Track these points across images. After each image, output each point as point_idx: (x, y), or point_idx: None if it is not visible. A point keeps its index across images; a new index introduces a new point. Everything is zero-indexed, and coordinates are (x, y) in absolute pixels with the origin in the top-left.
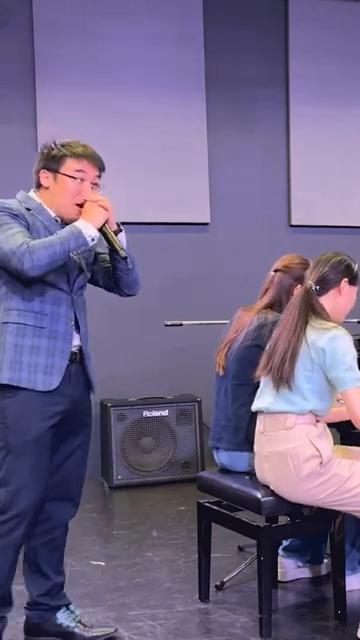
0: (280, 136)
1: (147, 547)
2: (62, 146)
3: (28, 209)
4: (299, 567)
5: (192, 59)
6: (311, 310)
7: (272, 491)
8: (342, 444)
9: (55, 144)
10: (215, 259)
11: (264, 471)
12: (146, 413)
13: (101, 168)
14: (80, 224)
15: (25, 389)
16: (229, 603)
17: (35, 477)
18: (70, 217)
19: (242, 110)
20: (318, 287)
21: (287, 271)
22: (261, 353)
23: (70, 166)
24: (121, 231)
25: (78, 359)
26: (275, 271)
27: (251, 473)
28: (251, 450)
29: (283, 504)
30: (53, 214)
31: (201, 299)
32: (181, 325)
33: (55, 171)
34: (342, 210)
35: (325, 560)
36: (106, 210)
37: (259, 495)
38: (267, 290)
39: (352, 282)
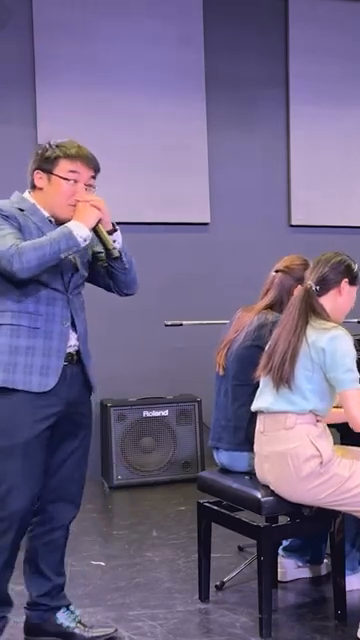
0: (280, 136)
1: (147, 547)
2: (56, 147)
3: (21, 210)
4: (299, 567)
5: (192, 59)
6: (311, 310)
7: (272, 491)
8: (342, 444)
9: (50, 145)
10: (215, 259)
11: (264, 471)
12: (146, 413)
13: (96, 169)
14: (72, 225)
15: (20, 391)
16: (229, 603)
17: (27, 479)
18: (64, 217)
19: (242, 110)
20: (318, 287)
21: (288, 272)
22: (261, 353)
23: (64, 167)
24: (116, 231)
25: (76, 360)
26: (276, 272)
27: (251, 473)
28: (251, 450)
29: (283, 504)
30: (47, 214)
31: (201, 299)
32: (181, 325)
33: (49, 172)
34: (342, 210)
35: (325, 560)
36: (99, 210)
37: (259, 495)
38: (268, 291)
39: (352, 282)
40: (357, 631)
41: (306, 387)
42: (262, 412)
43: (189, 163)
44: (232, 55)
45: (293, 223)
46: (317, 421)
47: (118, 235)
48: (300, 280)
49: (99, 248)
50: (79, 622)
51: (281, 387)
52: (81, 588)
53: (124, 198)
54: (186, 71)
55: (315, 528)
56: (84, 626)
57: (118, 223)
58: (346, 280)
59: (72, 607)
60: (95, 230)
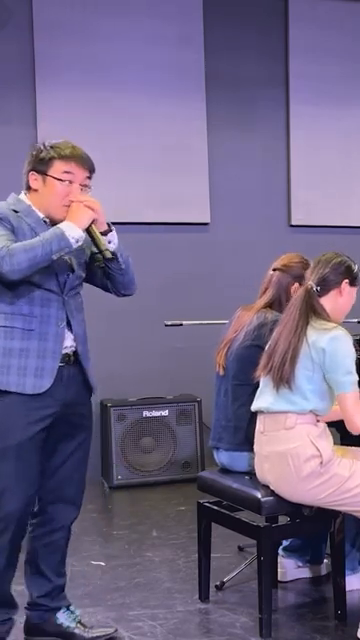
0: (280, 136)
1: (147, 547)
2: (51, 148)
3: (16, 211)
4: (299, 567)
5: (192, 59)
6: (312, 311)
7: (272, 491)
8: (342, 444)
9: (44, 146)
10: (215, 259)
11: (264, 471)
12: (146, 413)
13: (91, 169)
14: (64, 225)
15: (13, 393)
16: (229, 603)
17: (21, 481)
18: (60, 219)
19: (242, 110)
20: (319, 288)
21: (286, 270)
22: (261, 353)
23: (58, 168)
24: (111, 231)
25: (73, 361)
26: (274, 270)
27: (251, 473)
28: (251, 450)
29: (283, 504)
30: (42, 215)
31: (201, 299)
32: (181, 325)
33: (43, 173)
34: (342, 210)
35: (325, 560)
36: (93, 211)
37: (259, 495)
38: (266, 289)
39: (352, 283)
40: (357, 631)
41: (306, 387)
42: (262, 412)
43: (189, 163)
44: (232, 55)
45: (293, 223)
46: (317, 421)
47: (114, 236)
48: (297, 278)
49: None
50: (79, 622)
51: (281, 387)
52: (81, 588)
53: (124, 198)
54: (186, 71)
55: (315, 528)
56: (84, 626)
57: (118, 223)
58: (347, 281)
59: (72, 607)
60: (88, 231)
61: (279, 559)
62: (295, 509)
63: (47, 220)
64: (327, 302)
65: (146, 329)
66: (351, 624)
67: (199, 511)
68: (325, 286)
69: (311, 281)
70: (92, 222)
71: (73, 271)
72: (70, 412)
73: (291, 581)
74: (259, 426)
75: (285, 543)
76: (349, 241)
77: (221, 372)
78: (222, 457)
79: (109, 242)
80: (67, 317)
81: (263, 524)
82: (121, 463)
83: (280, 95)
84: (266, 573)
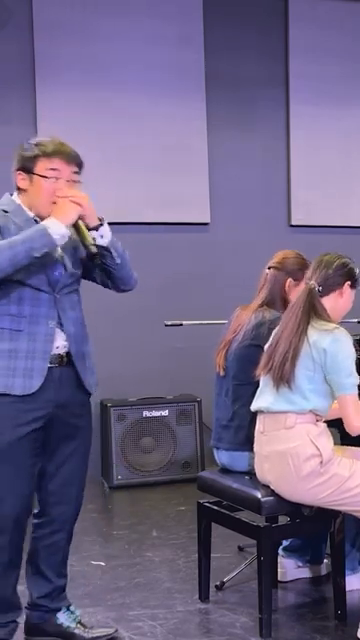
0: (280, 136)
1: (147, 547)
2: (35, 146)
3: (5, 211)
4: (299, 567)
5: (192, 59)
6: (313, 311)
7: (272, 491)
8: (342, 444)
9: (28, 144)
10: (215, 259)
11: (264, 471)
12: (146, 413)
13: (78, 164)
14: (48, 222)
15: (2, 395)
16: (229, 603)
17: (14, 483)
18: (49, 216)
19: (242, 110)
20: (321, 288)
21: (280, 267)
22: (260, 352)
23: (43, 166)
24: (102, 225)
25: (66, 361)
26: (269, 268)
27: (251, 473)
28: (251, 450)
29: (283, 504)
30: (32, 214)
31: (201, 299)
32: (181, 325)
33: (30, 172)
34: (342, 210)
35: (325, 560)
36: (80, 206)
37: (259, 495)
38: (262, 288)
39: (353, 285)
40: (357, 631)
41: (307, 387)
42: (262, 412)
43: (189, 163)
44: (232, 55)
45: (293, 223)
46: (317, 421)
47: (105, 230)
48: (291, 273)
49: None
50: (79, 622)
51: (281, 387)
52: (81, 588)
53: (124, 198)
54: (186, 71)
55: (315, 528)
56: (84, 626)
57: (118, 223)
58: (348, 283)
59: (72, 607)
60: (75, 226)
61: (279, 559)
62: (295, 509)
63: (37, 219)
64: (327, 302)
65: (146, 329)
66: (351, 624)
67: (199, 511)
68: (327, 287)
69: (313, 281)
70: (79, 217)
71: (66, 269)
72: (67, 413)
73: (291, 581)
74: (259, 426)
75: (285, 543)
76: (349, 241)
77: (221, 373)
78: (222, 457)
79: (101, 236)
80: (59, 316)
81: (263, 524)
82: (121, 463)
83: (280, 95)
84: (266, 573)
